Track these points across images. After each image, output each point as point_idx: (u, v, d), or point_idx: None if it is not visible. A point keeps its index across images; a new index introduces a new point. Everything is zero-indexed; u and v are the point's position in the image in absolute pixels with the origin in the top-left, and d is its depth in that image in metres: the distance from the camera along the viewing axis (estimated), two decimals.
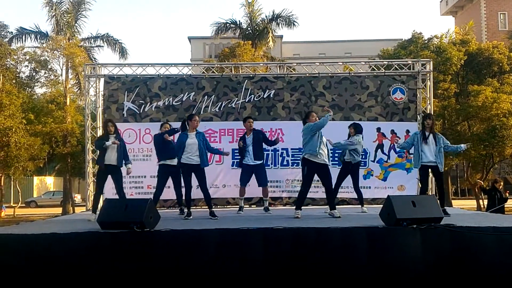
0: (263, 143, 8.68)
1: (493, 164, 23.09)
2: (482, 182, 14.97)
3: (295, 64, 12.96)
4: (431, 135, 7.60)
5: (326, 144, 7.61)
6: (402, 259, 5.43)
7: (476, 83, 21.23)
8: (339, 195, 8.97)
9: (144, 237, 5.45)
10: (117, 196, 7.75)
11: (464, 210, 10.66)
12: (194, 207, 9.01)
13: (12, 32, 24.94)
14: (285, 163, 10.25)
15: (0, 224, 13.16)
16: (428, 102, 10.67)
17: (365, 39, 45.57)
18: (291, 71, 12.08)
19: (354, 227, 5.82)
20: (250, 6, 25.53)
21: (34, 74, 24.79)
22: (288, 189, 10.22)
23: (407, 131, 10.29)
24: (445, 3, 45.99)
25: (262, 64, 15.49)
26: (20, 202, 26.96)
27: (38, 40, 24.81)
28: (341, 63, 11.56)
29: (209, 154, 8.15)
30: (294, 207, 7.57)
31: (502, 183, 12.66)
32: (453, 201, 24.43)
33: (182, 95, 10.37)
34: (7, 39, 24.57)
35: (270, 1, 68.09)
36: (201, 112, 10.27)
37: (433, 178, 8.45)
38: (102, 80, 10.64)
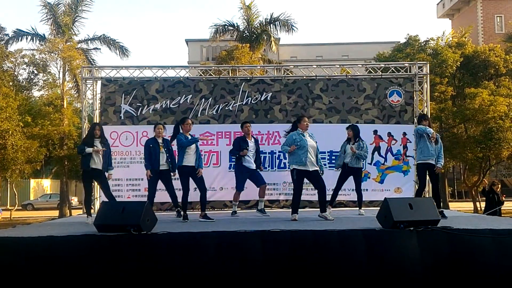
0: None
1: (489, 167, 23.17)
2: (486, 182, 15.02)
3: (292, 66, 12.95)
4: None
5: (317, 148, 7.58)
6: (399, 262, 5.42)
7: (472, 86, 21.32)
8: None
9: (141, 240, 5.43)
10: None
11: (461, 212, 10.68)
12: (191, 210, 9.00)
13: (8, 35, 24.85)
14: (282, 165, 10.23)
15: None
16: (425, 105, 10.69)
17: (362, 41, 45.78)
18: (288, 74, 12.12)
19: (351, 229, 5.81)
20: (248, 9, 25.59)
21: (32, 77, 24.70)
22: (285, 192, 10.19)
23: (404, 134, 10.38)
24: (442, 6, 46.16)
25: (259, 67, 15.52)
26: (16, 205, 26.85)
27: (35, 42, 24.71)
28: (338, 66, 11.54)
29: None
30: (291, 212, 7.56)
31: (499, 185, 12.73)
32: (450, 203, 24.48)
33: (179, 97, 10.36)
34: (3, 42, 24.45)
35: (268, 5, 68.21)
36: (199, 115, 10.28)
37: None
38: (99, 82, 10.61)
